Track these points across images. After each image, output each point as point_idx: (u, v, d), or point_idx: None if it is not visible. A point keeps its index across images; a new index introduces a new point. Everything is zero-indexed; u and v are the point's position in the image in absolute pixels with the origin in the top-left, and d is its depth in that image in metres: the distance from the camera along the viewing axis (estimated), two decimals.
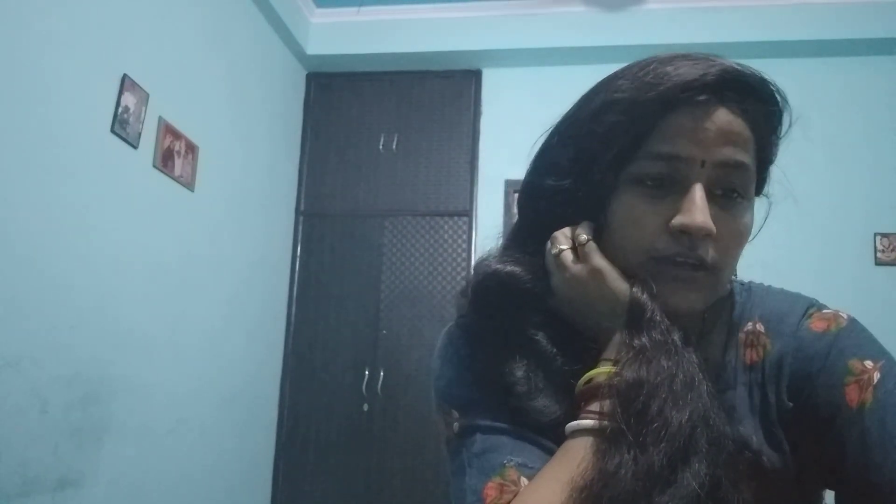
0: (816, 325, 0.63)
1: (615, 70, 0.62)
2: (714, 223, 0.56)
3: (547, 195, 0.64)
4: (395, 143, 3.43)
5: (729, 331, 0.66)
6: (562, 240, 0.62)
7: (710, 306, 0.66)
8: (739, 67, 0.57)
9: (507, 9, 3.32)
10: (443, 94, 3.48)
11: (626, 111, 0.58)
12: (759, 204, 0.66)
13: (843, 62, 3.20)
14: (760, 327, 0.65)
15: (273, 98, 3.23)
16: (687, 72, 0.56)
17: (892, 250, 3.02)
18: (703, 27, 3.13)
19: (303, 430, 3.24)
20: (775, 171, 0.66)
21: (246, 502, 2.96)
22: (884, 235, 3.04)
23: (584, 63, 3.19)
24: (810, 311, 0.64)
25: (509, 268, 0.64)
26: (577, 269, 0.61)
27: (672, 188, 0.57)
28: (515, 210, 0.70)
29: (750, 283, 0.70)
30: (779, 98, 0.60)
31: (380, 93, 3.52)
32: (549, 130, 0.66)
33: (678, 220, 0.56)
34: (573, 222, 0.63)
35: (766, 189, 0.66)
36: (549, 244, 0.63)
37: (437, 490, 3.08)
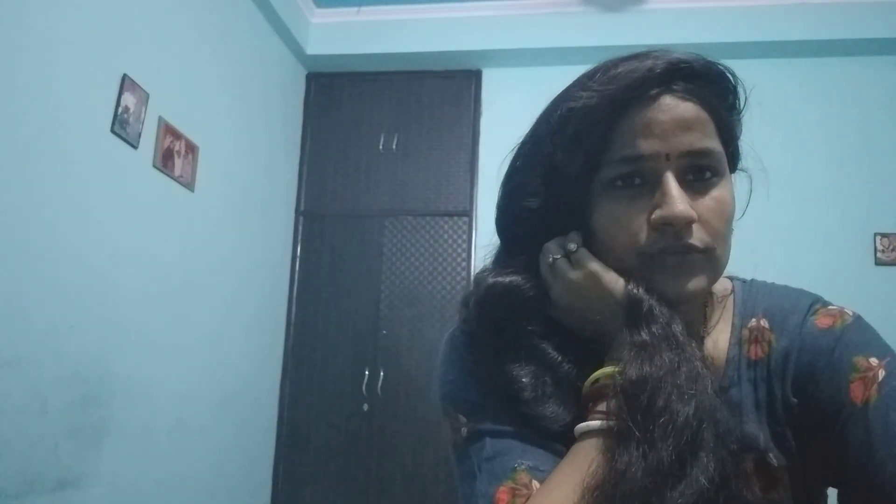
0: (822, 321, 0.62)
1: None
2: (694, 208, 0.56)
3: (525, 216, 0.65)
4: (395, 143, 3.43)
5: (732, 327, 0.66)
6: (554, 249, 0.63)
7: (712, 303, 0.66)
8: (685, 57, 0.58)
9: (507, 9, 3.32)
10: (443, 94, 3.48)
11: (582, 121, 0.58)
12: (742, 181, 0.67)
13: (843, 62, 3.20)
14: (765, 323, 0.65)
15: (273, 98, 3.22)
16: (634, 70, 0.57)
17: (892, 250, 3.02)
18: (703, 27, 3.13)
19: (303, 430, 3.24)
20: (753, 150, 0.67)
21: (246, 502, 2.96)
22: (884, 235, 3.03)
23: (583, 63, 3.12)
24: (815, 307, 0.64)
25: (509, 279, 0.64)
26: (573, 275, 0.61)
27: (645, 184, 0.58)
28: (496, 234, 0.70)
29: (752, 280, 0.71)
30: (728, 76, 0.61)
31: (380, 93, 3.51)
32: (513, 152, 0.67)
33: (658, 214, 0.56)
34: (557, 235, 0.64)
35: (740, 164, 0.66)
36: (542, 256, 0.64)
37: (438, 490, 3.08)
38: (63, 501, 1.86)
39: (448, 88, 3.49)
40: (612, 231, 0.59)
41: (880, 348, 0.60)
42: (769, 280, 0.71)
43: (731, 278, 0.71)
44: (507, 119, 3.36)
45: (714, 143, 0.58)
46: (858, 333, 0.61)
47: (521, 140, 0.66)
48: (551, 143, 0.61)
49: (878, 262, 3.03)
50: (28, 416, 1.75)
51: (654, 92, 0.57)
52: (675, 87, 0.57)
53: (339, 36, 3.42)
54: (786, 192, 3.03)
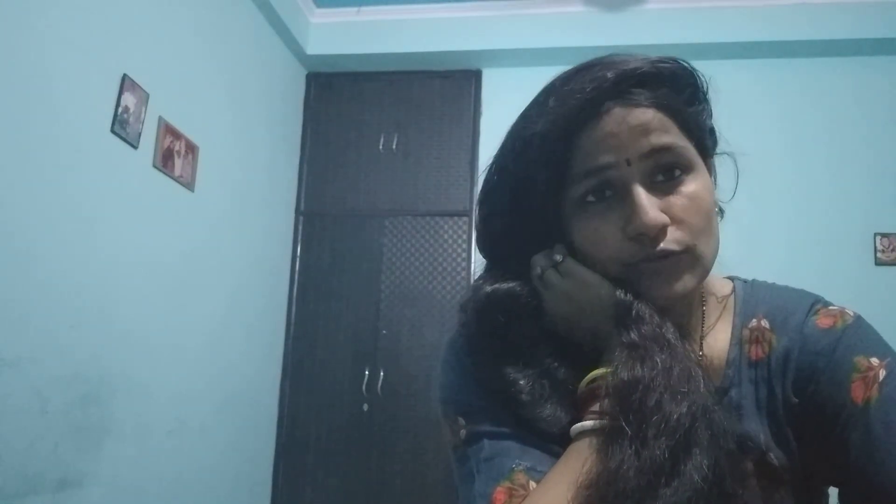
0: (823, 321, 0.63)
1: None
2: (667, 209, 0.57)
3: (503, 236, 0.66)
4: (395, 143, 3.43)
5: (733, 328, 0.66)
6: (541, 261, 0.64)
7: (711, 303, 0.67)
8: (632, 63, 0.58)
9: (507, 9, 3.32)
10: (443, 94, 3.48)
11: (541, 145, 0.59)
12: (729, 164, 0.67)
13: (843, 62, 3.20)
14: (765, 323, 0.65)
15: (273, 98, 3.22)
16: (583, 88, 0.57)
17: (892, 250, 3.02)
18: (703, 27, 3.13)
19: (303, 430, 3.24)
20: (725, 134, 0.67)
21: (246, 502, 2.96)
22: (884, 235, 3.03)
23: None
24: (816, 307, 0.65)
25: (508, 285, 0.65)
26: (562, 284, 0.62)
27: (615, 196, 0.59)
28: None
29: (753, 280, 0.71)
30: (679, 71, 0.60)
31: (380, 93, 3.52)
32: (485, 174, 0.68)
33: (631, 228, 0.57)
34: (537, 252, 0.64)
35: (717, 149, 0.67)
36: (531, 269, 0.65)
37: (438, 490, 3.08)
38: (63, 501, 1.86)
39: (448, 88, 3.49)
40: (591, 247, 0.60)
41: (881, 348, 0.60)
42: (769, 280, 0.71)
43: (732, 278, 0.71)
44: (507, 119, 3.33)
45: (676, 139, 0.59)
46: (859, 333, 0.61)
47: (489, 163, 0.67)
48: (516, 168, 0.62)
49: (878, 262, 3.03)
50: (28, 416, 1.75)
51: (606, 106, 0.57)
52: (626, 96, 0.58)
53: (339, 36, 3.42)
54: (786, 192, 3.03)
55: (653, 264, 0.58)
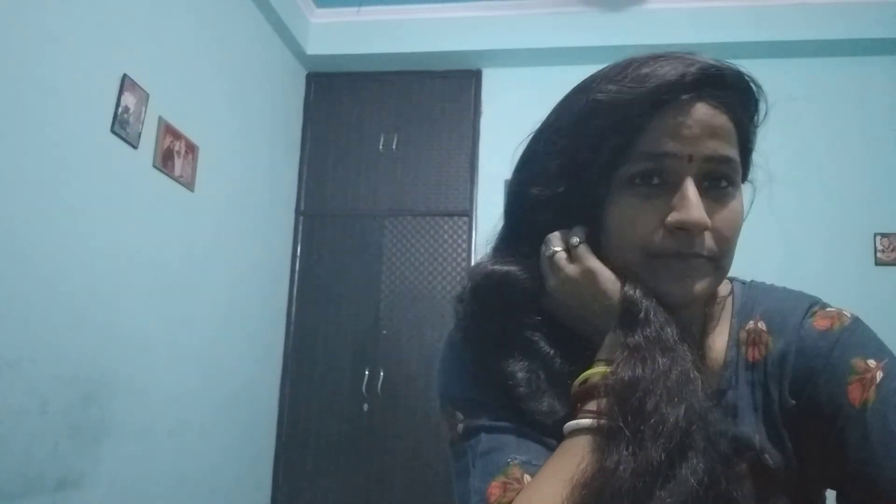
0: (820, 323, 0.63)
1: (591, 73, 0.63)
2: (707, 215, 0.57)
3: (537, 204, 0.64)
4: (395, 143, 3.43)
5: (730, 329, 0.66)
6: (556, 242, 0.63)
7: (712, 304, 0.67)
8: (716, 64, 0.58)
9: (507, 9, 3.32)
10: (443, 94, 3.48)
11: (611, 114, 0.58)
12: (746, 189, 0.67)
13: (843, 62, 3.20)
14: (762, 325, 0.65)
15: (273, 98, 3.22)
16: (668, 73, 0.57)
17: (892, 250, 3.02)
18: (703, 27, 3.13)
19: (303, 430, 3.24)
20: (760, 158, 0.68)
21: (246, 502, 2.96)
22: (884, 235, 3.04)
23: (584, 63, 3.15)
24: (813, 309, 0.64)
25: (505, 268, 0.64)
26: (571, 270, 0.61)
27: (663, 185, 0.58)
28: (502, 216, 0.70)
29: (752, 281, 0.71)
30: (754, 88, 0.61)
31: (380, 93, 3.52)
32: (530, 138, 0.66)
33: (674, 217, 0.56)
34: (566, 226, 0.63)
35: (749, 175, 0.67)
36: (543, 246, 0.64)
37: (437, 489, 3.08)
38: (63, 501, 1.86)
39: (448, 88, 3.49)
40: (625, 228, 0.59)
41: (878, 350, 0.60)
42: (768, 281, 0.71)
43: (731, 279, 0.70)
44: (507, 119, 3.36)
45: (734, 153, 0.59)
46: (856, 335, 0.61)
47: (538, 126, 0.66)
48: (574, 133, 0.61)
49: (878, 262, 3.03)
50: (28, 416, 1.76)
51: (686, 97, 0.57)
52: (706, 93, 0.57)
53: (339, 36, 3.42)
54: (786, 192, 3.01)
55: (679, 261, 0.58)
